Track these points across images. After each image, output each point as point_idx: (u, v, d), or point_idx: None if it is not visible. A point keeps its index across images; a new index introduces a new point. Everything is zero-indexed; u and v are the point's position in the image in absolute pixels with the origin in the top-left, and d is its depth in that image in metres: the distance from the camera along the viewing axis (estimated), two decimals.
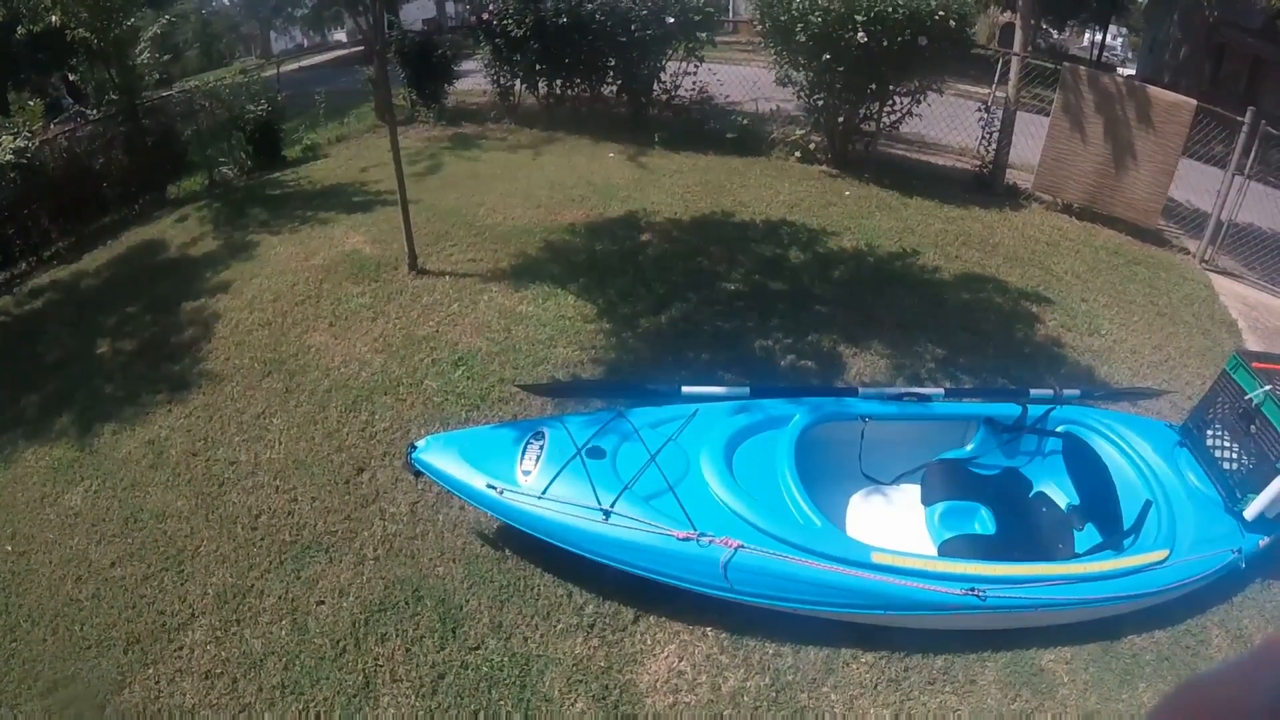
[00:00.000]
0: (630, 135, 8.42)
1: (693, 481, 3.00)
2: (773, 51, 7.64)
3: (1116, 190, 7.94)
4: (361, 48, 9.69)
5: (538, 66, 8.58)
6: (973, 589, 2.84)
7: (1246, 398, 3.62)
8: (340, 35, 12.63)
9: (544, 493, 2.88)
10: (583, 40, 8.07)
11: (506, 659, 2.95)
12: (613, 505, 2.83)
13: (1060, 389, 4.05)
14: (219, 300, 5.66)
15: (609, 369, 4.32)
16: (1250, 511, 3.54)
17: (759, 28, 7.63)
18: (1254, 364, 3.70)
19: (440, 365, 4.49)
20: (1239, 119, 7.69)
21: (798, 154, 8.01)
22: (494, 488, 2.94)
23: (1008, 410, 3.91)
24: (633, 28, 7.81)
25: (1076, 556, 3.43)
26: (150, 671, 3.17)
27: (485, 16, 8.31)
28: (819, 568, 2.79)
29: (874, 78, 7.37)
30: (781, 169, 7.83)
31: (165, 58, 8.51)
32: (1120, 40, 22.22)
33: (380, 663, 3.05)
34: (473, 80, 9.87)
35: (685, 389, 3.46)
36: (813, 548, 2.81)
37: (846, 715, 2.90)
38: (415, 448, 3.24)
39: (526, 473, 2.96)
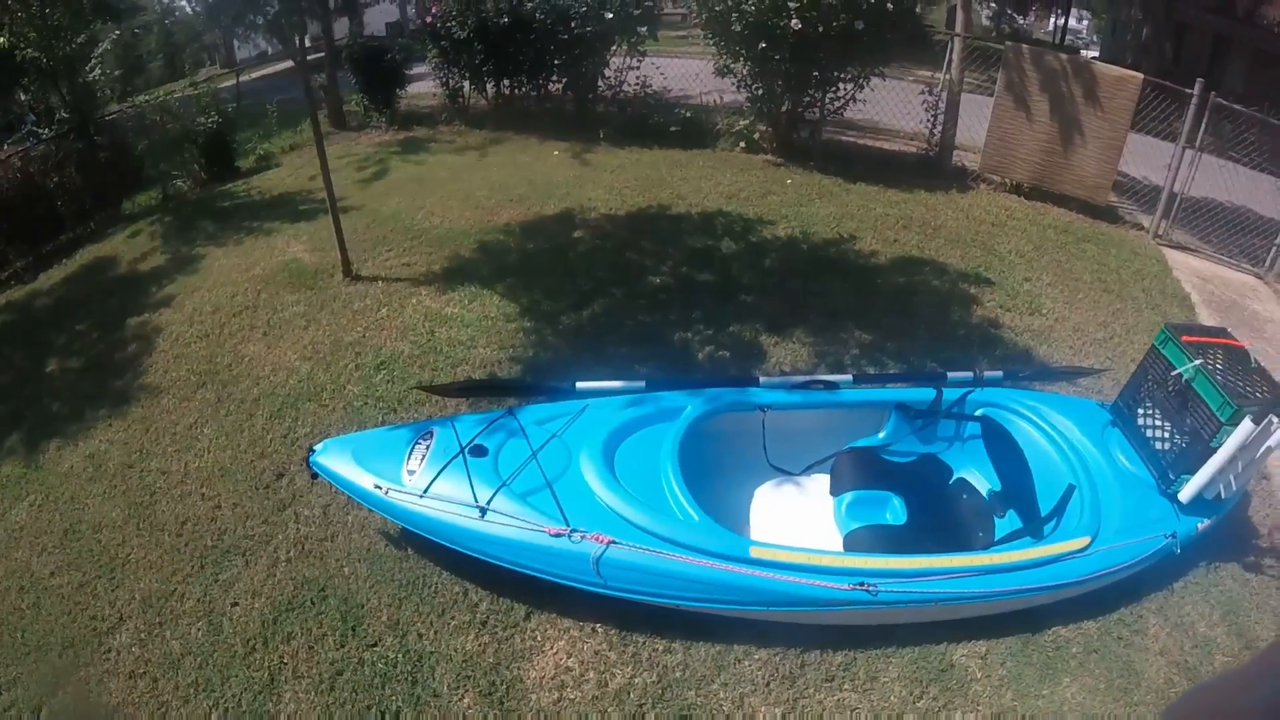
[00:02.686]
0: (576, 133, 8.52)
1: (572, 477, 3.02)
2: (711, 42, 7.74)
3: (1065, 168, 8.01)
4: (322, 54, 9.75)
5: (484, 68, 8.69)
6: (862, 583, 2.80)
7: (1176, 373, 3.52)
8: (305, 41, 12.71)
9: (425, 491, 2.96)
10: (525, 39, 8.18)
11: (401, 655, 3.06)
12: (489, 502, 2.89)
13: (981, 371, 3.97)
14: (161, 314, 5.78)
15: (527, 367, 4.43)
16: (1185, 493, 3.44)
17: (697, 20, 7.73)
18: (1183, 337, 3.59)
19: (364, 370, 4.61)
20: (1188, 91, 7.77)
21: (742, 144, 8.11)
22: (380, 487, 3.04)
23: (921, 395, 3.84)
24: (573, 25, 7.91)
25: (993, 546, 3.36)
26: (82, 674, 3.29)
27: (429, 20, 8.42)
28: (693, 563, 2.77)
29: (813, 65, 7.45)
30: (725, 160, 7.93)
31: (116, 73, 8.60)
32: (1085, 23, 22.30)
33: (285, 660, 3.18)
34: (426, 84, 9.99)
35: (580, 385, 3.49)
36: (687, 542, 2.80)
37: (735, 713, 2.89)
38: (314, 451, 3.35)
39: (411, 472, 3.05)
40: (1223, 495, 3.47)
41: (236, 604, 3.46)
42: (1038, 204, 8.04)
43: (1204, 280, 7.31)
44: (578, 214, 6.39)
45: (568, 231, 6.06)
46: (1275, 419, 3.20)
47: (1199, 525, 3.46)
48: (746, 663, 3.03)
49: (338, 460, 3.24)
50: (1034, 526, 3.41)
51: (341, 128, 9.58)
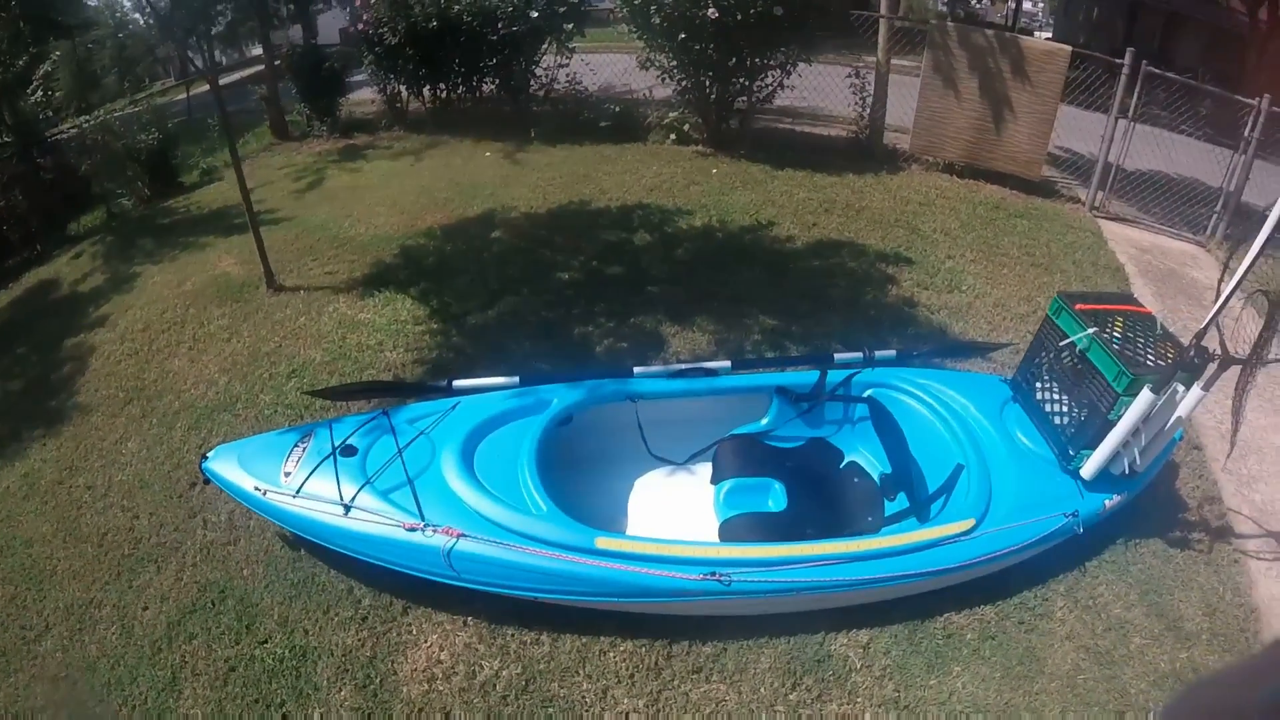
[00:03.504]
0: (510, 133, 8.70)
1: (433, 473, 3.11)
2: (634, 36, 7.93)
3: (997, 145, 8.20)
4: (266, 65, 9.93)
5: (419, 72, 8.89)
6: (714, 573, 2.77)
7: (1070, 343, 3.46)
8: (257, 50, 12.89)
9: (298, 491, 3.12)
10: (455, 43, 8.37)
11: (288, 651, 3.23)
12: (353, 499, 3.03)
13: (872, 351, 3.93)
14: (96, 334, 5.97)
15: (430, 368, 4.63)
16: (1088, 470, 3.37)
17: (620, 13, 7.92)
18: (1077, 305, 3.51)
19: (276, 379, 4.81)
20: (1118, 61, 7.95)
21: (673, 136, 8.31)
22: (259, 489, 3.22)
23: (803, 378, 3.84)
24: (500, 25, 8.10)
25: (874, 531, 3.32)
26: (11, 680, 3.51)
27: (361, 27, 8.62)
28: (539, 555, 2.81)
29: (735, 53, 7.63)
30: (654, 153, 8.13)
31: (58, 95, 8.79)
32: (1041, 5, 22.50)
33: (186, 659, 3.38)
34: (369, 90, 10.18)
35: (456, 383, 3.60)
36: (533, 535, 2.85)
37: (597, 704, 2.93)
38: (205, 458, 3.56)
39: (287, 474, 3.21)
40: (1137, 469, 3.37)
41: (147, 608, 3.66)
42: (971, 182, 8.22)
43: (1142, 251, 7.48)
44: (499, 214, 6.58)
45: (486, 232, 6.26)
46: (1181, 387, 3.10)
47: (1106, 503, 3.39)
48: (612, 654, 3.07)
49: (225, 465, 3.44)
50: (917, 510, 3.36)
51: (285, 138, 9.75)
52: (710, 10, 7.04)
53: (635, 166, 7.66)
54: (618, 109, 8.66)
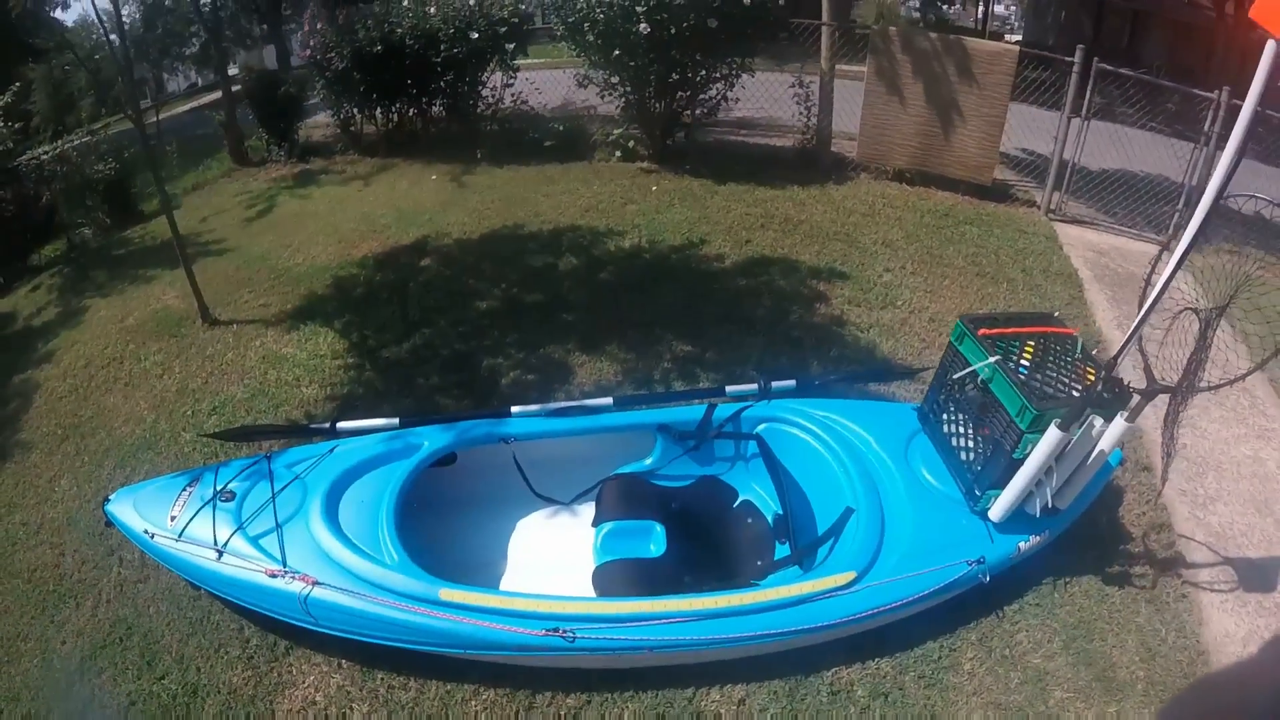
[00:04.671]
0: (459, 154, 9.00)
1: (301, 519, 3.25)
2: (572, 53, 8.21)
3: (946, 150, 8.35)
4: (231, 89, 10.28)
5: (371, 95, 9.23)
6: (557, 629, 2.78)
7: (971, 372, 3.32)
8: (233, 69, 13.26)
9: (180, 534, 3.35)
10: (401, 66, 8.69)
11: (180, 688, 3.46)
12: (225, 544, 3.23)
13: (768, 382, 3.90)
14: (42, 370, 6.28)
15: (340, 405, 4.87)
16: (996, 512, 3.24)
17: (559, 31, 8.21)
18: (981, 330, 3.37)
19: (198, 416, 5.10)
20: (1068, 59, 8.13)
21: (618, 153, 8.57)
22: (148, 532, 3.47)
23: (690, 414, 3.80)
24: (441, 47, 8.42)
25: (761, 577, 3.28)
26: None
27: (308, 53, 8.96)
28: (388, 605, 2.91)
29: (672, 67, 7.86)
30: (598, 171, 8.39)
31: (16, 126, 9.16)
32: (1014, 9, 22.64)
33: (94, 693, 3.70)
34: (327, 114, 10.53)
35: (340, 425, 3.79)
36: (382, 584, 2.95)
37: None
38: (108, 500, 3.86)
39: (173, 517, 3.43)
40: (1058, 507, 3.27)
41: (65, 642, 3.94)
42: (921, 189, 8.35)
43: (1100, 254, 7.60)
44: (432, 241, 6.85)
45: (417, 260, 6.54)
46: (1100, 420, 2.95)
47: (1021, 545, 3.28)
48: (474, 703, 3.15)
49: (122, 508, 3.69)
50: (800, 558, 3.26)
51: (244, 163, 10.08)
52: (642, 25, 7.26)
53: (576, 186, 7.91)
54: (561, 127, 8.94)
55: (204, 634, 3.75)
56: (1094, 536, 3.92)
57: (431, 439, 3.66)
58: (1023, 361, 3.25)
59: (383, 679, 3.31)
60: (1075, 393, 3.06)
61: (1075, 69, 7.97)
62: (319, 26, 8.73)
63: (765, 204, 7.55)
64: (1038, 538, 3.34)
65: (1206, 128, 7.93)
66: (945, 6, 22.56)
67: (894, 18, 8.68)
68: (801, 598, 2.96)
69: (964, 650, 3.35)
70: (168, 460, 4.90)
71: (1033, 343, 3.36)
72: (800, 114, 8.63)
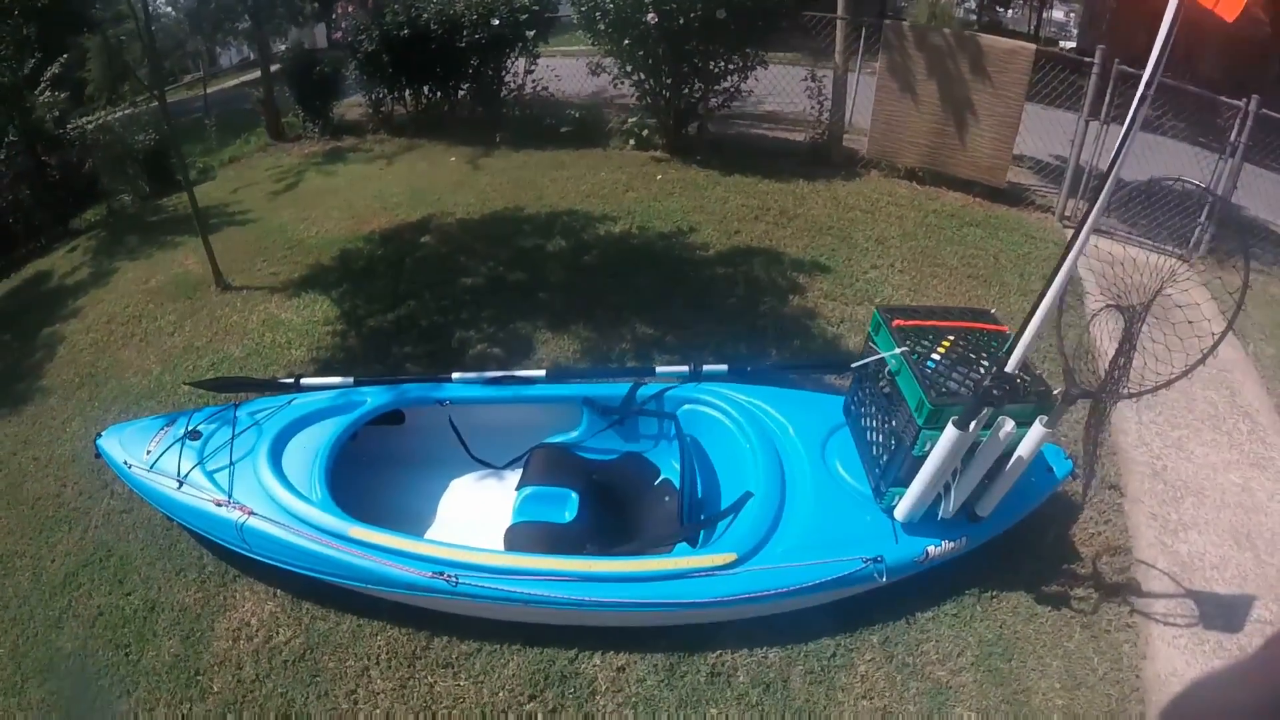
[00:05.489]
0: (481, 138, 9.48)
1: (251, 459, 3.63)
2: (587, 41, 8.60)
3: (959, 150, 8.33)
4: (274, 64, 10.93)
5: (400, 77, 9.78)
6: (442, 573, 3.04)
7: (880, 361, 3.32)
8: (283, 46, 13.99)
9: (151, 466, 3.83)
10: (427, 50, 9.21)
11: (142, 603, 3.94)
12: (185, 475, 3.69)
13: (699, 365, 4.06)
14: (69, 324, 6.93)
15: (322, 366, 5.35)
16: (900, 511, 3.27)
17: (575, 20, 8.61)
18: (895, 322, 3.35)
19: (198, 371, 5.62)
20: (1088, 60, 8.20)
21: (632, 142, 8.94)
22: (127, 463, 3.94)
23: (617, 390, 4.03)
24: (465, 33, 8.91)
25: (667, 552, 3.32)
26: None
27: (338, 36, 9.55)
28: (307, 537, 3.26)
29: (683, 57, 8.14)
30: (610, 159, 8.75)
31: (63, 95, 9.91)
32: (1072, 16, 22.24)
33: (71, 604, 4.14)
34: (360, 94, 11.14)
35: (304, 380, 4.24)
36: (304, 518, 3.30)
37: (354, 682, 3.33)
38: (99, 435, 4.38)
39: (149, 452, 3.91)
40: (980, 514, 3.31)
41: (54, 561, 4.46)
42: (932, 189, 8.41)
43: (1110, 264, 7.69)
44: (436, 219, 7.30)
45: (418, 237, 7.00)
46: (1011, 422, 2.89)
47: (930, 549, 3.27)
48: (379, 638, 3.45)
49: (110, 442, 4.19)
50: (691, 535, 3.37)
51: (280, 139, 10.75)
52: (650, 15, 7.58)
53: (583, 172, 8.29)
54: (578, 115, 9.35)
55: (169, 559, 4.23)
56: (1034, 550, 3.83)
57: (375, 397, 4.09)
58: (934, 355, 3.18)
59: (307, 609, 3.72)
60: (995, 391, 2.88)
61: (1095, 70, 7.97)
62: (350, 9, 9.29)
63: (764, 196, 7.74)
64: (951, 544, 3.30)
65: (1233, 137, 7.89)
66: (1003, 10, 22.32)
67: (947, 19, 8.79)
68: (677, 572, 3.06)
69: (862, 651, 3.32)
70: (164, 407, 5.42)
71: (952, 337, 3.30)
72: (812, 109, 8.81)
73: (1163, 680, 3.32)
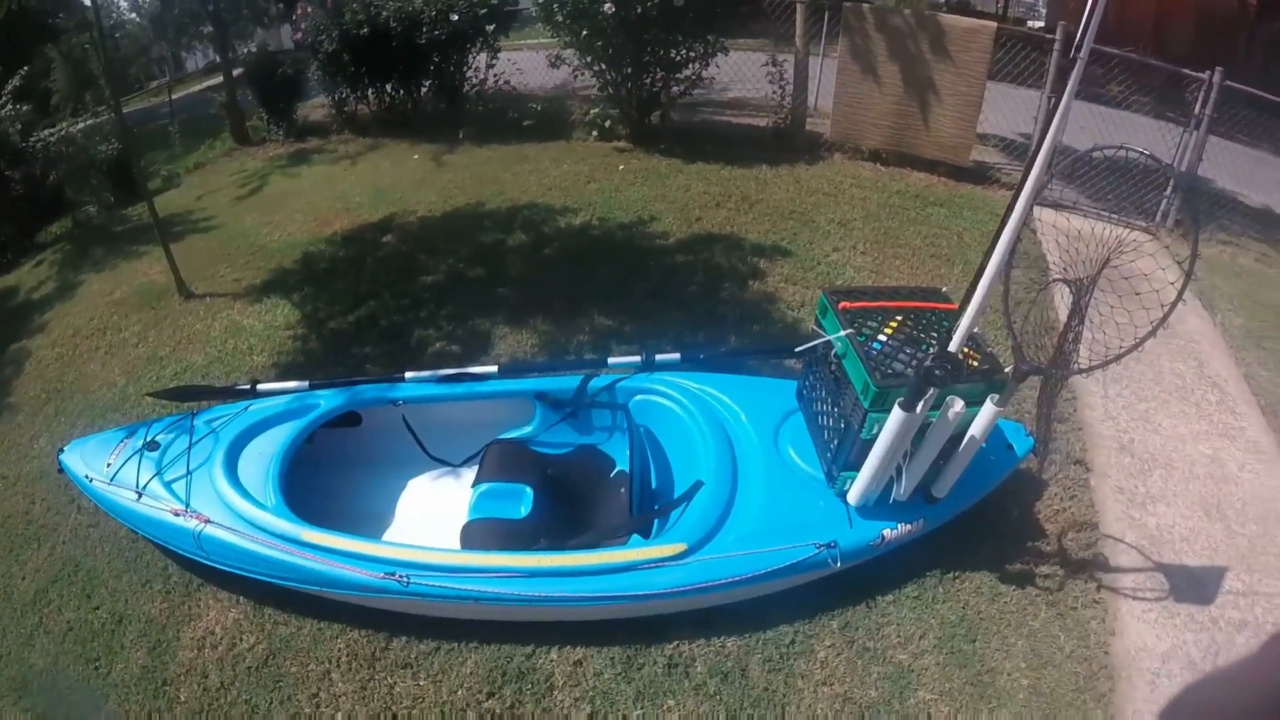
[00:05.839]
0: (444, 135, 9.53)
1: (207, 467, 3.67)
2: (548, 34, 8.67)
3: (922, 130, 8.40)
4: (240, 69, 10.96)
5: (363, 77, 9.84)
6: (394, 573, 3.08)
7: (829, 346, 3.32)
8: (251, 48, 14.00)
9: (112, 479, 3.90)
10: (387, 48, 9.27)
11: (109, 616, 4.02)
12: (144, 487, 3.75)
13: (652, 354, 4.00)
14: (35, 340, 6.99)
15: (283, 371, 5.42)
16: (852, 495, 3.27)
17: (534, 13, 8.68)
18: (841, 304, 3.36)
19: (161, 381, 5.67)
20: (1050, 36, 8.31)
21: (595, 133, 9.01)
22: (88, 477, 4.00)
23: (569, 383, 4.05)
24: (424, 30, 8.97)
25: (623, 545, 3.33)
26: None
27: (299, 37, 9.60)
28: (262, 543, 3.30)
29: (642, 47, 8.20)
30: (573, 150, 8.81)
31: (26, 108, 9.92)
32: None
33: (42, 620, 4.21)
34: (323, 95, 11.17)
35: (260, 386, 4.31)
36: (259, 525, 3.35)
37: (316, 685, 3.39)
38: (62, 450, 4.46)
39: (109, 464, 3.97)
40: (938, 496, 3.33)
41: (24, 578, 4.59)
42: (896, 170, 8.49)
43: (1076, 239, 7.82)
44: (398, 218, 7.35)
45: (380, 237, 7.06)
46: (960, 402, 2.88)
47: (885, 533, 3.29)
48: (339, 641, 3.50)
49: (72, 456, 4.25)
50: (644, 526, 3.39)
51: (245, 143, 10.78)
52: (608, 5, 7.64)
53: (546, 165, 8.35)
54: (540, 108, 9.42)
55: (135, 570, 4.32)
56: (997, 529, 3.84)
57: (329, 400, 4.15)
58: (880, 336, 3.19)
59: (269, 614, 3.80)
60: (940, 371, 2.86)
61: (1056, 46, 8.08)
62: (309, 10, 9.34)
63: (727, 183, 7.79)
64: (909, 526, 3.33)
65: (1197, 110, 8.01)
66: None
67: (919, 2, 8.82)
68: (626, 565, 3.08)
69: (822, 637, 3.33)
70: (129, 419, 5.48)
71: (901, 317, 3.31)
72: (774, 94, 8.89)
73: (1132, 656, 3.34)
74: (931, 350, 2.99)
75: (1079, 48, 2.42)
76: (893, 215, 7.59)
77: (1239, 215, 9.34)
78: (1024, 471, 4.16)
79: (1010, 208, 2.56)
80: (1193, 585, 3.72)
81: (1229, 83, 7.88)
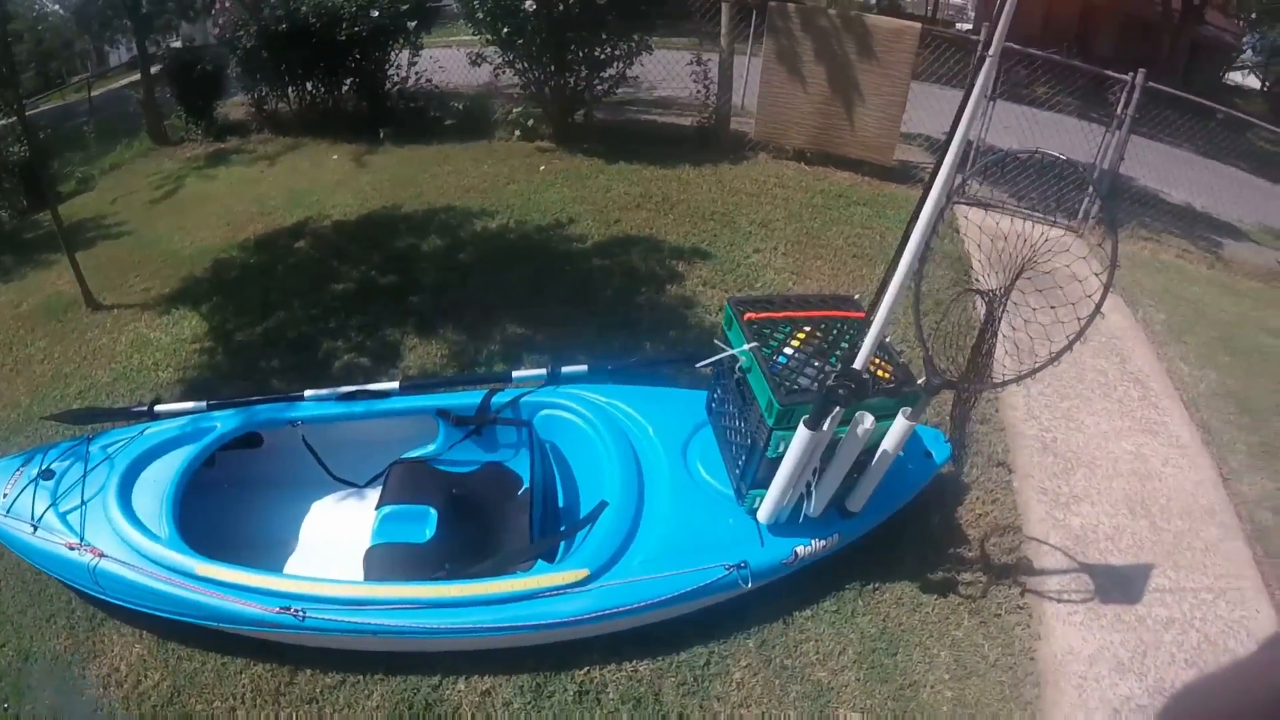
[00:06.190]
0: (365, 134, 9.48)
1: (102, 496, 3.51)
2: (468, 30, 8.67)
3: (846, 130, 8.66)
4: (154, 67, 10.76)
5: (282, 74, 9.74)
6: (289, 608, 2.97)
7: (733, 359, 3.23)
8: (176, 43, 13.77)
9: (8, 510, 3.73)
10: (308, 45, 9.20)
11: (15, 654, 3.87)
12: (39, 519, 3.60)
13: (558, 367, 3.95)
14: None
15: (189, 388, 5.36)
16: (762, 514, 3.23)
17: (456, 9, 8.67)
18: (747, 315, 3.28)
19: (66, 400, 5.54)
20: (974, 38, 8.51)
21: (518, 133, 9.05)
22: None
23: (471, 398, 3.95)
24: (344, 26, 8.92)
25: (528, 568, 3.25)
26: None
27: (217, 32, 9.48)
28: (157, 578, 3.16)
29: (564, 44, 8.23)
30: (495, 150, 8.83)
31: None
32: None
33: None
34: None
35: (158, 407, 4.16)
36: (154, 558, 3.21)
37: None
38: None
39: (5, 495, 3.81)
40: (853, 510, 3.30)
41: None
42: (820, 169, 8.70)
43: (998, 238, 8.01)
44: (312, 223, 7.29)
45: (293, 243, 7.00)
46: (870, 417, 2.85)
47: (798, 550, 3.23)
48: (244, 675, 3.38)
49: None
50: (549, 550, 3.31)
51: (163, 143, 10.60)
52: (528, 2, 7.67)
53: (466, 166, 8.36)
54: (461, 106, 9.43)
55: (39, 605, 4.14)
56: (918, 537, 3.82)
57: (226, 422, 4.04)
58: (786, 349, 3.11)
59: (173, 649, 3.73)
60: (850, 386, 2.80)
61: (979, 48, 8.26)
62: (227, 5, 9.22)
63: (648, 183, 7.86)
64: (823, 542, 3.27)
65: (1119, 111, 8.28)
66: None
67: (845, 2, 8.91)
68: (527, 593, 2.99)
69: (737, 657, 3.28)
70: (33, 441, 5.32)
71: (809, 327, 3.24)
72: (699, 92, 8.99)
73: (1058, 660, 3.33)
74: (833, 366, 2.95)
75: (987, 45, 2.45)
76: (815, 215, 7.73)
77: (1161, 212, 9.69)
78: (945, 476, 4.19)
79: (917, 212, 2.53)
80: (1118, 584, 3.76)
81: (1151, 84, 8.16)
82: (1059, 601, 3.63)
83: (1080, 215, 8.61)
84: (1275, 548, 4.19)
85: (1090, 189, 8.23)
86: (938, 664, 3.31)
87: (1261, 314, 7.79)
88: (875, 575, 3.62)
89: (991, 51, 2.42)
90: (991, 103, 8.59)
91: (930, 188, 2.49)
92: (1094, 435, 4.84)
